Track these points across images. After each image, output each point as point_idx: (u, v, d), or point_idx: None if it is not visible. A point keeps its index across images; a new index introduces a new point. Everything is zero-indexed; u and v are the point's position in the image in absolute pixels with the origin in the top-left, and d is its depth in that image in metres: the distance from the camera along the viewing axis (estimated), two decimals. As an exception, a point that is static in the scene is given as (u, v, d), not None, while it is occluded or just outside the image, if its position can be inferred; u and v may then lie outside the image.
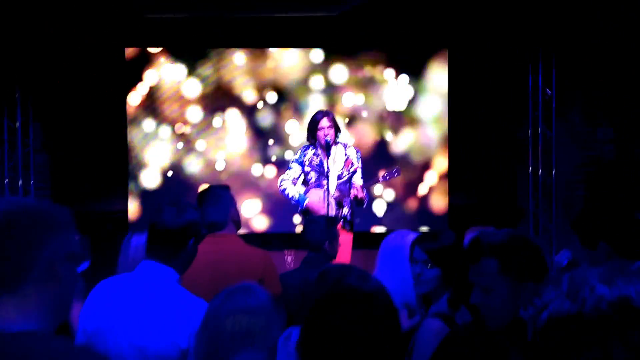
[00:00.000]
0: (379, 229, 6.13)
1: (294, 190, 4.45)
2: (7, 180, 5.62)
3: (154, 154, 5.95)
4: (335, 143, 4.45)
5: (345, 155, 4.48)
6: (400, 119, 6.15)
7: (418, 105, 6.15)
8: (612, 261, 2.06)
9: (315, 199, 4.39)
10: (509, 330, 1.55)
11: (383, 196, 6.13)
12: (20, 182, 5.65)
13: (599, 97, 5.51)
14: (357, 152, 4.57)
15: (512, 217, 6.23)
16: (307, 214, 4.35)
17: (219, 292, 2.72)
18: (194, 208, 2.16)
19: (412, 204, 6.18)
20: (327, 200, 4.31)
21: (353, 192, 4.36)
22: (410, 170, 6.15)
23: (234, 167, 6.04)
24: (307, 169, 4.46)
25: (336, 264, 2.30)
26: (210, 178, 5.98)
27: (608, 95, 5.46)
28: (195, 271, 2.33)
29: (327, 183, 4.33)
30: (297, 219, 5.63)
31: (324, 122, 4.37)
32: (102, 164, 5.90)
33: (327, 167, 4.37)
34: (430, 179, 6.18)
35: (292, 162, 4.55)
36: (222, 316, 1.59)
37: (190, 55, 5.96)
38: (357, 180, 4.51)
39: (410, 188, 6.16)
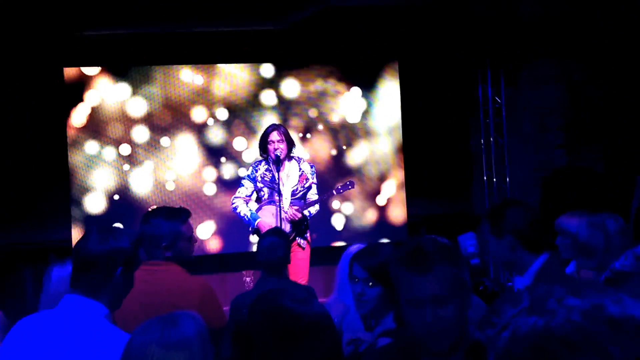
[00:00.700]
0: (338, 244, 5.92)
1: (246, 209, 4.20)
2: None
3: (99, 178, 5.56)
4: (290, 158, 4.23)
5: (300, 170, 4.26)
6: (354, 132, 6.00)
7: (372, 117, 6.02)
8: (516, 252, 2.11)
9: (267, 216, 4.15)
10: (466, 355, 1.38)
11: (341, 210, 5.95)
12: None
13: (548, 101, 5.53)
14: (311, 167, 4.36)
15: (469, 224, 6.16)
16: (259, 233, 4.10)
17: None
18: (125, 233, 1.88)
19: (370, 216, 6.02)
20: (280, 217, 4.07)
21: (290, 216, 4.09)
22: (367, 182, 6.00)
23: (185, 187, 5.73)
24: (259, 185, 4.21)
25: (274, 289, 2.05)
26: (160, 200, 5.65)
27: (558, 100, 5.49)
28: (125, 304, 2.06)
29: (280, 199, 4.10)
30: (254, 238, 5.37)
31: (274, 136, 4.15)
32: (43, 190, 5.48)
33: (279, 183, 4.14)
34: (388, 190, 6.04)
35: (244, 178, 4.30)
36: (138, 351, 1.36)
37: (134, 74, 5.64)
38: (312, 195, 4.31)
39: (368, 200, 6.00)
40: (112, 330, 1.75)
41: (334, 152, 5.95)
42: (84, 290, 1.77)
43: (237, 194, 4.26)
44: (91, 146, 5.57)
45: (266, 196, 4.21)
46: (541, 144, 5.59)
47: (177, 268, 2.52)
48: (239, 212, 4.22)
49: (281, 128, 4.24)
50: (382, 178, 6.02)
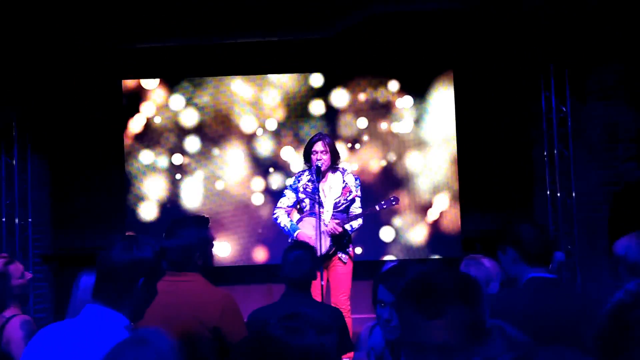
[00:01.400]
0: (387, 258, 5.67)
1: (286, 219, 4.05)
2: (4, 219, 5.41)
3: (152, 186, 5.68)
4: (334, 170, 4.06)
5: (343, 182, 4.07)
6: (405, 142, 5.74)
7: (424, 127, 5.74)
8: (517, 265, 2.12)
9: (307, 228, 3.98)
10: None
11: (391, 223, 5.69)
12: (16, 220, 5.43)
13: (617, 110, 5.00)
14: (356, 179, 4.15)
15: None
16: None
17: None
18: (149, 244, 1.86)
19: (422, 231, 5.72)
20: (320, 230, 3.89)
21: (329, 230, 3.91)
22: (418, 194, 5.71)
23: (234, 196, 5.71)
24: (301, 195, 4.06)
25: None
26: (209, 209, 5.67)
27: (629, 108, 4.95)
28: (147, 316, 2.05)
29: (321, 211, 3.92)
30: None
31: (319, 146, 3.99)
32: (101, 198, 5.66)
33: (319, 194, 3.97)
34: (441, 203, 5.71)
35: (286, 188, 4.16)
36: None
37: (188, 85, 5.72)
38: (355, 209, 4.10)
39: (419, 213, 5.70)
40: None
41: (383, 163, 5.72)
42: (105, 300, 1.76)
43: (278, 204, 4.10)
44: (146, 156, 5.69)
45: (308, 207, 4.05)
46: (610, 156, 5.05)
47: (200, 279, 2.46)
48: (279, 223, 4.09)
49: (327, 139, 4.07)
50: (435, 191, 5.71)
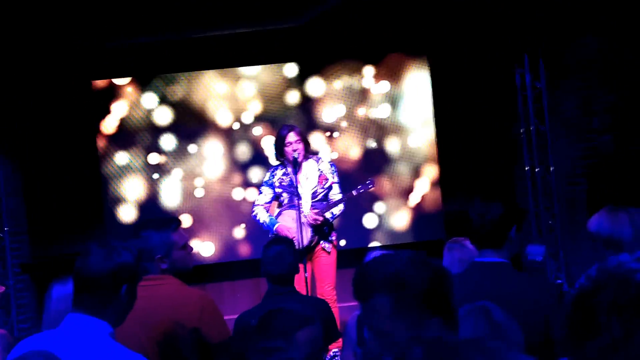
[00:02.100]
0: (372, 244, 5.63)
1: (265, 215, 3.98)
2: (-22, 229, 5.23)
3: (129, 187, 5.54)
4: (306, 158, 3.99)
5: (319, 170, 4.00)
6: (384, 128, 5.69)
7: (402, 112, 5.69)
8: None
9: (287, 221, 3.92)
10: None
11: (374, 209, 5.65)
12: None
13: (592, 83, 5.01)
14: (331, 165, 4.09)
15: (514, 219, 5.68)
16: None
17: (149, 344, 2.28)
18: (127, 249, 1.79)
19: (404, 215, 5.69)
20: (300, 221, 3.82)
21: (311, 221, 3.86)
22: (399, 179, 5.67)
23: (214, 193, 5.61)
24: (278, 190, 3.98)
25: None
26: (190, 207, 5.57)
27: (603, 82, 4.96)
28: (123, 324, 2.00)
29: (299, 203, 3.85)
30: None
31: (291, 137, 3.91)
32: (77, 203, 5.51)
33: (296, 186, 3.90)
34: (422, 186, 5.69)
35: (262, 185, 4.07)
36: None
37: (159, 82, 5.58)
38: (334, 196, 4.04)
39: (401, 198, 5.67)
40: (118, 349, 1.67)
41: (362, 149, 5.67)
42: (86, 309, 1.70)
43: (256, 202, 4.04)
44: (121, 156, 5.55)
45: (286, 201, 3.98)
46: (586, 129, 5.07)
47: (173, 280, 2.38)
48: (259, 220, 3.99)
49: (296, 128, 4.00)
50: (416, 175, 5.68)
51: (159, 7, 4.81)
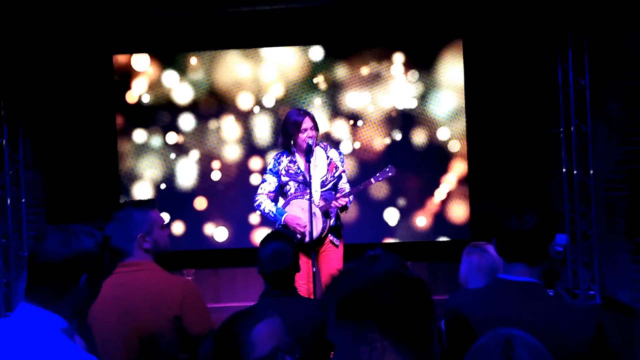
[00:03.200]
0: (390, 240, 5.37)
1: (270, 205, 3.70)
2: (-5, 199, 5.23)
3: (146, 166, 5.44)
4: (315, 146, 3.73)
5: (328, 158, 3.75)
6: (411, 119, 5.38)
7: (431, 102, 5.37)
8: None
9: (296, 211, 3.68)
10: None
11: (396, 203, 5.37)
12: (8, 201, 5.25)
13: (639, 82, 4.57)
14: (340, 153, 3.82)
15: (554, 229, 5.29)
16: (288, 229, 3.65)
17: (128, 334, 2.12)
18: (89, 234, 1.60)
19: (428, 212, 5.39)
20: (311, 211, 3.58)
21: (336, 203, 3.64)
22: (425, 174, 5.37)
23: (231, 177, 5.44)
24: (284, 179, 3.71)
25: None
26: (205, 189, 5.43)
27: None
28: (101, 310, 1.89)
29: (310, 192, 3.61)
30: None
31: (307, 123, 3.65)
32: (94, 179, 5.45)
33: (309, 174, 3.65)
34: (448, 183, 5.37)
35: (266, 173, 3.77)
36: None
37: (181, 60, 5.43)
38: (343, 185, 3.79)
39: (425, 194, 5.37)
40: (67, 346, 1.47)
41: (387, 140, 5.38)
42: (38, 300, 1.52)
43: (259, 190, 3.71)
44: (139, 134, 5.45)
45: (292, 190, 3.70)
46: (631, 132, 4.64)
47: (154, 267, 2.25)
48: (263, 209, 3.68)
49: (310, 113, 3.74)
50: (442, 170, 5.36)
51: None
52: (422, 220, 5.37)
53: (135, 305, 2.12)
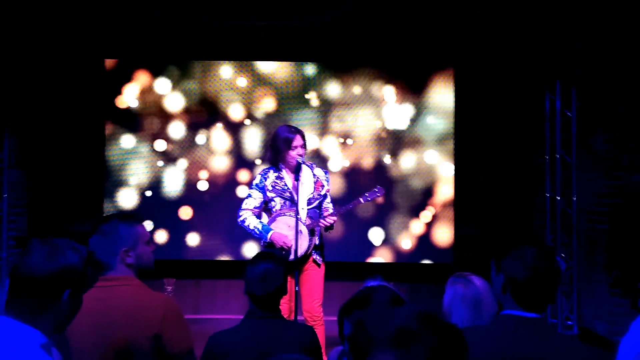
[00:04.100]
0: (373, 259, 5.38)
1: (255, 221, 3.66)
2: (-23, 197, 5.13)
3: (133, 172, 5.40)
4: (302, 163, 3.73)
5: (314, 176, 3.75)
6: (400, 140, 5.42)
7: (420, 125, 5.42)
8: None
9: (282, 228, 3.66)
10: None
11: (380, 223, 5.39)
12: (-10, 199, 5.16)
13: (625, 118, 4.67)
14: (325, 172, 3.82)
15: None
16: (272, 247, 3.64)
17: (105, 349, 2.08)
18: (74, 249, 1.58)
19: (413, 234, 5.41)
20: (298, 229, 3.57)
21: (325, 222, 3.64)
22: (411, 195, 5.40)
23: (217, 188, 5.42)
24: (270, 194, 3.68)
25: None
26: (191, 199, 5.39)
27: (636, 117, 4.61)
28: (78, 323, 1.80)
29: (297, 209, 3.60)
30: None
31: (298, 140, 3.65)
32: (79, 182, 5.38)
33: (297, 192, 3.65)
34: (434, 206, 5.40)
35: (252, 188, 3.73)
36: None
37: (173, 68, 5.42)
38: (327, 204, 3.79)
39: (411, 215, 5.40)
40: None
41: (376, 160, 5.41)
42: (19, 314, 1.49)
43: (243, 206, 3.66)
44: (127, 139, 5.41)
45: (277, 206, 3.67)
46: (615, 166, 4.73)
47: (136, 282, 2.19)
48: (248, 226, 3.63)
49: (300, 130, 3.75)
50: (429, 193, 5.40)
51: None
52: (406, 242, 5.39)
53: (114, 320, 2.06)
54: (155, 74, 5.39)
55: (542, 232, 5.33)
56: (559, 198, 5.18)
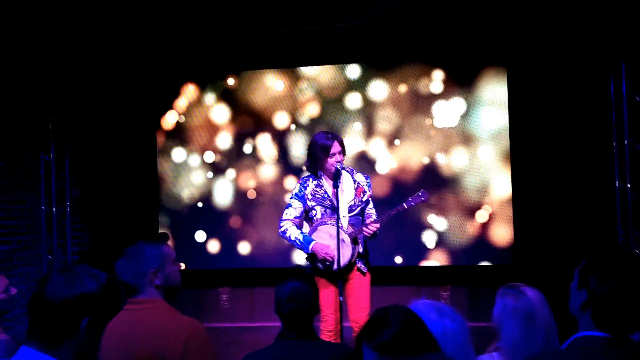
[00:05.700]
0: (427, 263, 5.16)
1: (296, 232, 3.55)
2: (43, 214, 5.40)
3: (184, 184, 5.50)
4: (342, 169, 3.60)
5: (355, 182, 3.62)
6: (451, 137, 5.19)
7: (472, 121, 5.16)
8: None
9: (324, 238, 3.54)
10: None
11: (434, 226, 5.17)
12: (54, 217, 5.41)
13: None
14: (366, 178, 3.67)
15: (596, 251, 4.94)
16: (315, 258, 3.53)
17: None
18: (92, 275, 1.57)
19: (469, 235, 5.15)
20: (339, 238, 3.43)
21: (367, 230, 3.49)
22: (465, 195, 5.15)
23: (266, 196, 5.41)
24: (310, 203, 3.57)
25: None
26: (241, 208, 5.42)
27: None
28: (105, 346, 1.80)
29: (338, 217, 3.47)
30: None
31: (336, 147, 3.52)
32: (134, 196, 5.56)
33: (337, 199, 3.51)
34: (490, 204, 5.12)
35: (292, 197, 3.62)
36: None
37: (218, 80, 5.49)
38: (370, 210, 3.63)
39: (466, 215, 5.14)
40: None
41: (426, 160, 5.21)
42: (39, 343, 1.49)
43: (284, 216, 3.55)
44: (178, 153, 5.52)
45: (319, 215, 3.56)
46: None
47: (162, 305, 2.16)
48: (289, 237, 3.52)
49: (339, 137, 3.62)
50: (484, 190, 5.12)
51: (218, 4, 4.68)
52: (461, 243, 5.14)
53: (139, 345, 2.05)
54: (202, 87, 5.48)
55: (613, 229, 4.91)
56: (630, 188, 4.75)
